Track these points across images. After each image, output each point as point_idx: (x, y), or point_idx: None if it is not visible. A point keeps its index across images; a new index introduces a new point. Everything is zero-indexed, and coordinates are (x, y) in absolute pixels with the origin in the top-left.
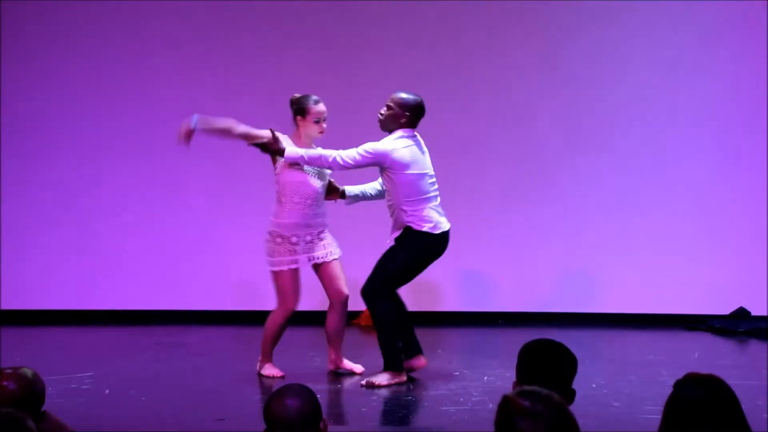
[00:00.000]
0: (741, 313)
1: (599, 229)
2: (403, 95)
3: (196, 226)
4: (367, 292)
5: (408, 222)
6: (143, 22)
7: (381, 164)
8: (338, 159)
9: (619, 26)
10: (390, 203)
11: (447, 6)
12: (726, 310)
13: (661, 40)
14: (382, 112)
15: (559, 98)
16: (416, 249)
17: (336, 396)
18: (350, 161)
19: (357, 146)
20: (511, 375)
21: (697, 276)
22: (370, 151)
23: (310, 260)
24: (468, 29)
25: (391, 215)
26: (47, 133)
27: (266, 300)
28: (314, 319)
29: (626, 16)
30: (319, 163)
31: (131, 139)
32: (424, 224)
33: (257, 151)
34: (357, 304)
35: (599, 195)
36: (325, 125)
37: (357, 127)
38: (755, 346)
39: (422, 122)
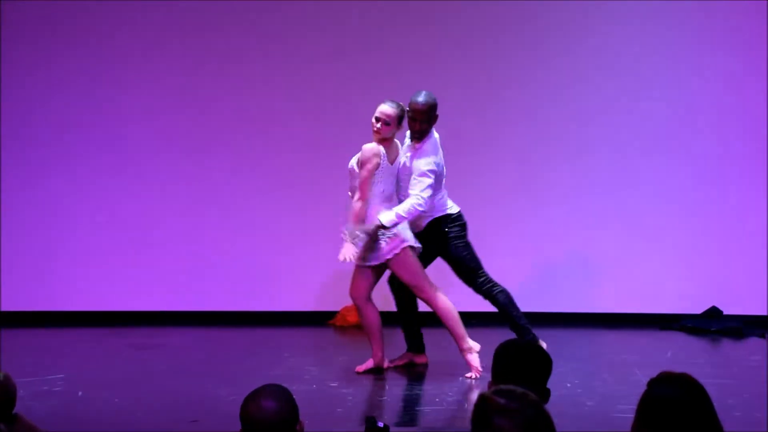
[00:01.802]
0: (713, 313)
1: (573, 232)
2: (425, 99)
3: (174, 226)
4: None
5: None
6: (143, 24)
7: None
8: (422, 197)
9: (625, 26)
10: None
11: (451, 5)
12: (698, 309)
13: (662, 40)
14: (417, 126)
15: (559, 99)
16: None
17: (312, 396)
18: (429, 189)
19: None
20: (486, 375)
21: (669, 275)
22: (432, 167)
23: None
24: (473, 28)
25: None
26: (46, 134)
27: (241, 301)
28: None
29: (632, 15)
30: (416, 213)
31: (130, 140)
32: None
33: (244, 150)
34: (332, 304)
35: (576, 199)
36: (379, 125)
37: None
38: (727, 345)
39: None
